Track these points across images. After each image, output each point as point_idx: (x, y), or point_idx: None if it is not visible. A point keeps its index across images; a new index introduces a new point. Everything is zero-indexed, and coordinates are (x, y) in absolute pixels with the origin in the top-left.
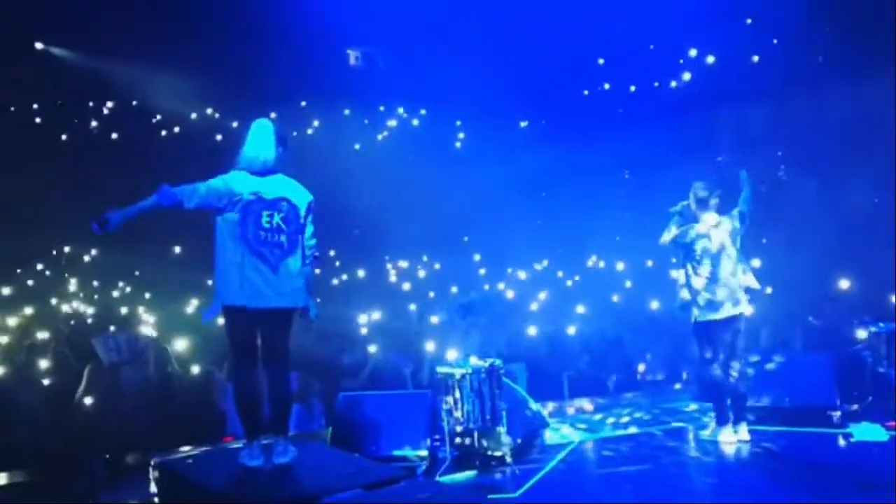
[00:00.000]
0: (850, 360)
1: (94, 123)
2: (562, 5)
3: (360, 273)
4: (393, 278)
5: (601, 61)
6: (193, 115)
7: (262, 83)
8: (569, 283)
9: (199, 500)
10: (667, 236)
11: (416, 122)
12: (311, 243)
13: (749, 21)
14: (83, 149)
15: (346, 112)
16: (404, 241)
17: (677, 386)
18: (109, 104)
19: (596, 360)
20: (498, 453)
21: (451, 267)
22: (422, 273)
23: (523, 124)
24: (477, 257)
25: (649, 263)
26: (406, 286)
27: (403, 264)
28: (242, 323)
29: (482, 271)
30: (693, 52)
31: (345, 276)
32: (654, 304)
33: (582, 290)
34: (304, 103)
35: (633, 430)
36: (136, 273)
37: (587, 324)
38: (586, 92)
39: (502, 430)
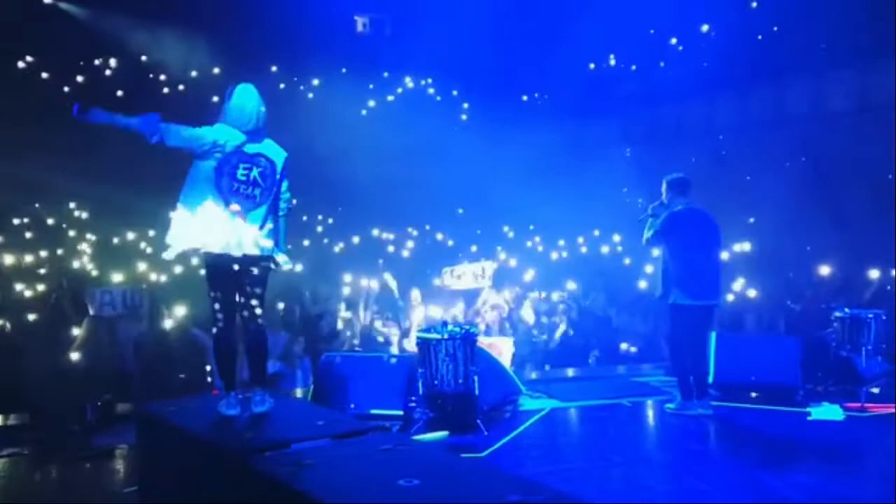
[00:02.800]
0: (816, 342)
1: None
2: None
3: (355, 239)
4: (391, 248)
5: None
6: (194, 74)
7: (269, 46)
8: (563, 254)
9: (178, 443)
10: (647, 234)
11: (423, 91)
12: (286, 197)
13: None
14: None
15: (351, 78)
16: (405, 211)
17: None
18: (113, 61)
19: (582, 335)
20: (470, 416)
21: (451, 238)
22: (410, 244)
23: (525, 98)
24: (478, 231)
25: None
26: (405, 253)
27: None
28: (215, 272)
29: (474, 248)
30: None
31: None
32: (643, 284)
33: (575, 267)
34: (311, 69)
35: (604, 400)
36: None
37: (576, 300)
38: (592, 66)
39: (474, 393)
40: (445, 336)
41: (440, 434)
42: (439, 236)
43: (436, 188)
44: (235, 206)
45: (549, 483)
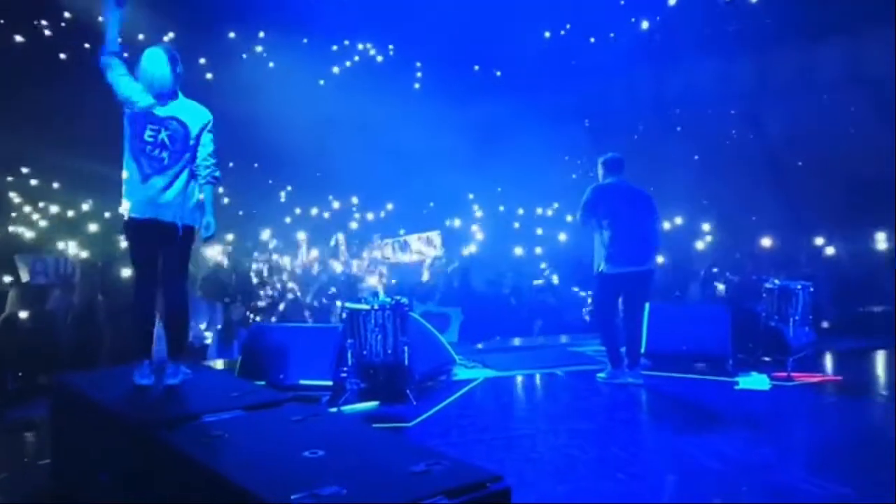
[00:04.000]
0: (746, 313)
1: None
2: None
3: (313, 211)
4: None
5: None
6: (141, 36)
7: (225, 12)
8: (516, 224)
9: (87, 414)
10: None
11: (376, 58)
12: (209, 163)
13: None
14: (29, 68)
15: (304, 44)
16: (356, 181)
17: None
18: (45, 23)
19: (526, 304)
20: (400, 386)
21: (403, 209)
22: (370, 216)
23: (476, 68)
24: (431, 204)
25: (569, 219)
26: (353, 225)
27: (354, 201)
28: (130, 237)
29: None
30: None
31: (298, 211)
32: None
33: (526, 236)
34: (261, 34)
35: (539, 370)
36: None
37: (521, 269)
38: (548, 34)
39: (405, 364)
40: (375, 307)
41: (370, 404)
42: (389, 206)
43: (387, 157)
44: (145, 168)
45: (473, 452)
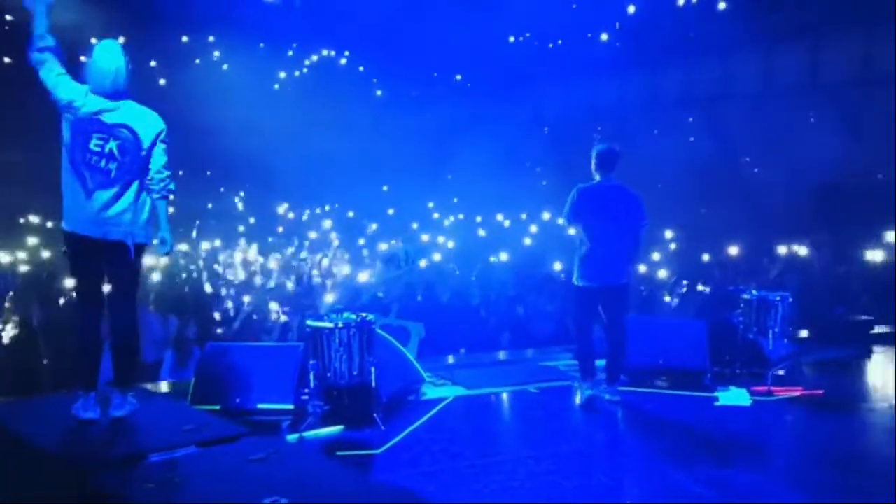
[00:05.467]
0: (723, 325)
1: None
2: None
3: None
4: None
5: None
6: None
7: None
8: (481, 232)
9: (17, 452)
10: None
11: (333, 64)
12: (162, 175)
13: None
14: None
15: (261, 50)
16: (314, 187)
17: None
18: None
19: (493, 317)
20: (366, 410)
21: (365, 216)
22: (328, 223)
23: (435, 74)
24: (391, 211)
25: (560, 222)
26: (312, 235)
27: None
28: (73, 254)
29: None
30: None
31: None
32: (557, 266)
33: (489, 247)
34: (211, 38)
35: (511, 387)
36: None
37: (486, 280)
38: (511, 39)
39: (371, 386)
40: (340, 325)
41: (334, 429)
42: (350, 214)
43: (346, 164)
44: (89, 183)
45: (447, 482)
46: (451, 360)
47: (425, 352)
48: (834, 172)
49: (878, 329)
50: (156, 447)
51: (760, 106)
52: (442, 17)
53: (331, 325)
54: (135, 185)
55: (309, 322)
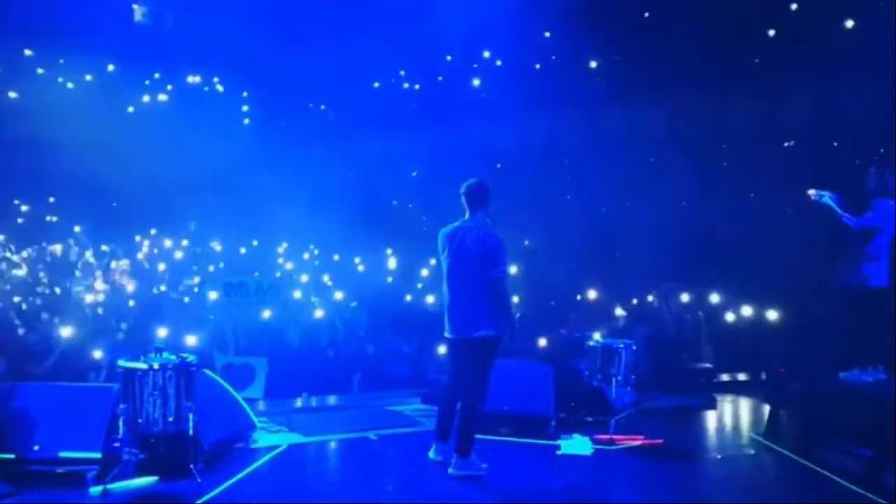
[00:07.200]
0: (569, 371)
1: None
2: None
3: (104, 248)
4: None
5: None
6: None
7: (27, 28)
8: (325, 278)
9: None
10: None
11: (201, 89)
12: None
13: (547, 34)
14: None
15: (126, 70)
16: (170, 217)
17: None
18: None
19: (344, 357)
20: (183, 459)
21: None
22: (179, 254)
23: (311, 105)
24: (255, 242)
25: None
26: (161, 267)
27: (167, 243)
28: None
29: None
30: (487, 54)
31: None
32: (408, 297)
33: (343, 282)
34: (79, 57)
35: (351, 434)
36: None
37: (340, 315)
38: (377, 84)
39: (189, 434)
40: (155, 366)
41: (147, 480)
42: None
43: (209, 192)
44: None
45: None
46: (298, 403)
47: (270, 394)
48: (685, 224)
49: (722, 377)
50: None
51: (621, 156)
52: (317, 49)
53: (144, 365)
54: None
55: (121, 362)
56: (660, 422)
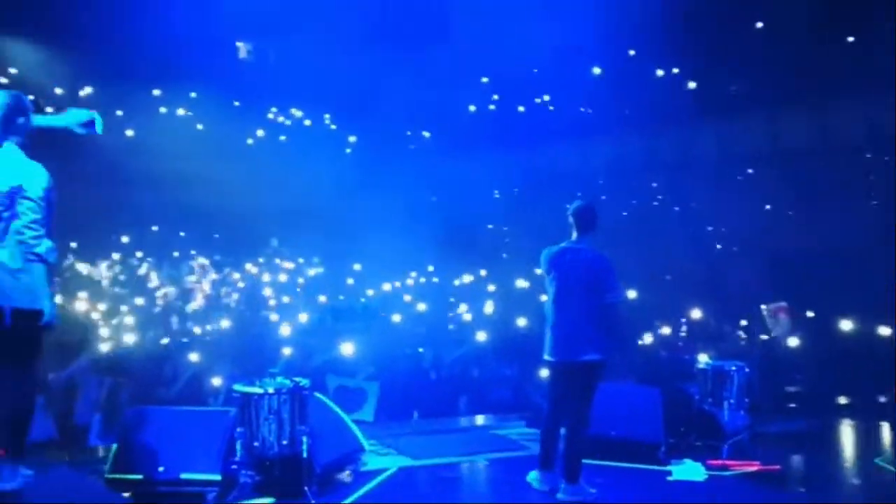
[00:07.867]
0: (678, 394)
1: None
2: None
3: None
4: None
5: (485, 80)
6: (59, 91)
7: (149, 68)
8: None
9: None
10: None
11: (305, 122)
12: (29, 235)
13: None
14: None
15: (233, 106)
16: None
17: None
18: None
19: (447, 380)
20: (297, 482)
21: (330, 274)
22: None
23: (409, 133)
24: (357, 266)
25: (524, 284)
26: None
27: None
28: None
29: (349, 280)
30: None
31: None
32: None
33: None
34: (193, 94)
35: (459, 458)
36: None
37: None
38: (473, 108)
39: (303, 456)
40: (270, 390)
41: (264, 501)
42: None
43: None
44: None
45: None
46: (406, 427)
47: (379, 415)
48: (795, 243)
49: (839, 399)
50: None
51: (719, 174)
52: (412, 74)
53: (260, 390)
54: (7, 247)
55: (236, 387)
56: (775, 446)
